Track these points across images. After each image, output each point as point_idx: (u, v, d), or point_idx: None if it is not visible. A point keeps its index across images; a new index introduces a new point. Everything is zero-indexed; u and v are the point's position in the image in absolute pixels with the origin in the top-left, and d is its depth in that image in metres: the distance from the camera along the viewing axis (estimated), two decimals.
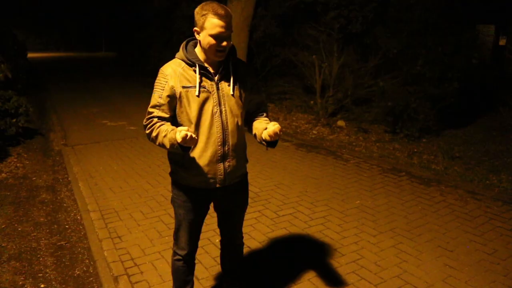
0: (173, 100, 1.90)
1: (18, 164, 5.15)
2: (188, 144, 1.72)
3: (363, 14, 7.76)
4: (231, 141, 1.96)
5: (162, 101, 1.89)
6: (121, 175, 4.81)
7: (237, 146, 2.00)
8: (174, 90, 1.87)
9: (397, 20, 7.01)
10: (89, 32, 31.98)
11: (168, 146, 1.81)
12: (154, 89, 1.92)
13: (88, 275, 2.89)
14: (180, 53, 1.93)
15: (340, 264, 2.95)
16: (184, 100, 1.88)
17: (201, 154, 1.92)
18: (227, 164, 1.98)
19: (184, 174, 1.98)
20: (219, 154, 1.94)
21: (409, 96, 6.62)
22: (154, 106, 1.91)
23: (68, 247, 3.26)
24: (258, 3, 9.18)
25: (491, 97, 8.89)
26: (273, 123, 1.89)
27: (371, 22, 7.81)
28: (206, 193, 2.03)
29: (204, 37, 1.83)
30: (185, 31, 11.27)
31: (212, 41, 1.81)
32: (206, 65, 1.90)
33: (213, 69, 1.91)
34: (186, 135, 1.67)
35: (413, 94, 6.64)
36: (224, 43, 1.82)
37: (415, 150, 5.99)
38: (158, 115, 1.90)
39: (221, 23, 1.78)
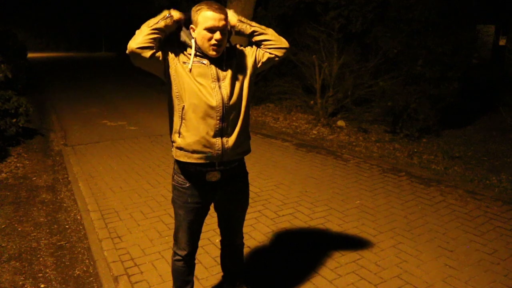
0: (163, 63, 1.87)
1: (18, 164, 5.15)
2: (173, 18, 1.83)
3: (363, 14, 7.76)
4: (230, 116, 1.92)
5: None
6: (121, 175, 4.81)
7: (237, 122, 1.96)
8: (169, 56, 1.87)
9: (397, 20, 7.01)
10: (89, 32, 31.99)
11: (156, 20, 1.82)
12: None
13: (88, 275, 2.89)
14: (182, 36, 1.93)
15: (340, 264, 2.95)
16: (181, 74, 1.87)
17: (198, 126, 1.88)
18: (225, 139, 1.93)
19: (181, 146, 1.93)
20: (217, 129, 1.90)
21: (409, 96, 6.63)
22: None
23: (68, 247, 3.26)
24: (258, 3, 9.18)
25: (491, 97, 8.90)
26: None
27: (371, 22, 7.81)
28: (206, 185, 1.99)
29: (199, 32, 1.84)
30: None
31: (207, 34, 1.82)
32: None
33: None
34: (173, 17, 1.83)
35: (413, 94, 6.64)
36: (218, 36, 1.81)
37: (415, 150, 5.99)
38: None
39: (214, 15, 1.80)
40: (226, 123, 1.92)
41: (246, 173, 2.17)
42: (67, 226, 3.61)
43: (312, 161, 5.40)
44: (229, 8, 1.98)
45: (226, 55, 1.94)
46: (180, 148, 1.94)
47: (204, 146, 1.90)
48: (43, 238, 3.38)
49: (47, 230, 3.52)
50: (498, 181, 4.68)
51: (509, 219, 3.69)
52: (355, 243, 3.25)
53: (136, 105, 9.48)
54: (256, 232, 3.44)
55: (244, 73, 1.99)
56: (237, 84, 1.95)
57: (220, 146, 1.92)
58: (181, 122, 1.91)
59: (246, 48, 2.07)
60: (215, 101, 1.87)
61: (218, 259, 2.55)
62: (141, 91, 11.59)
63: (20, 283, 2.77)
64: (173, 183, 2.07)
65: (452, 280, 2.75)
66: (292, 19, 9.62)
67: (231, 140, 1.95)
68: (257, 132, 6.93)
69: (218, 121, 1.89)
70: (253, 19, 9.07)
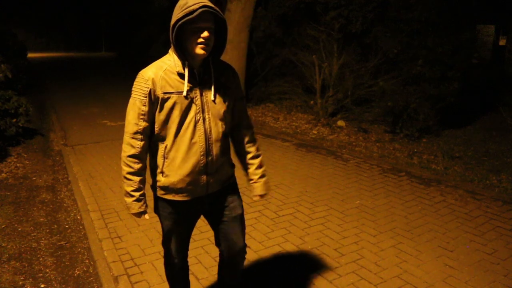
0: (154, 106, 1.78)
1: (18, 164, 5.15)
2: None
3: (363, 14, 7.76)
4: (215, 150, 1.85)
5: (145, 109, 1.77)
6: (121, 175, 4.79)
7: (221, 155, 1.90)
8: (156, 95, 1.76)
9: (397, 20, 7.01)
10: (89, 32, 32.00)
11: (124, 196, 1.99)
12: (134, 96, 1.79)
13: (88, 275, 2.89)
14: (171, 54, 1.80)
15: (340, 264, 2.95)
16: (165, 107, 1.76)
17: (182, 165, 1.81)
18: (210, 175, 1.87)
19: (166, 185, 1.86)
20: (202, 165, 1.83)
21: (409, 96, 6.63)
22: (138, 117, 1.79)
23: (68, 247, 3.26)
24: (258, 3, 9.18)
25: (491, 97, 8.90)
26: (262, 182, 2.05)
27: (371, 22, 7.81)
28: (190, 205, 1.92)
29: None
30: None
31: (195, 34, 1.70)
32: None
33: (196, 72, 1.80)
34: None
35: (413, 94, 6.64)
36: (206, 34, 1.69)
37: (415, 150, 5.99)
38: (142, 127, 1.80)
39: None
40: (211, 157, 1.85)
41: (232, 174, 2.06)
42: (67, 226, 3.61)
43: (312, 161, 5.40)
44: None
45: (214, 84, 1.83)
46: (165, 188, 1.87)
47: (189, 183, 1.84)
48: (43, 238, 3.38)
49: (47, 230, 3.52)
50: (498, 181, 4.68)
51: (509, 219, 3.69)
52: (355, 243, 3.25)
53: None
54: (256, 232, 3.44)
55: (225, 102, 1.87)
56: (220, 115, 1.85)
57: (205, 181, 1.87)
58: (164, 161, 1.83)
59: (233, 75, 1.95)
60: (199, 136, 1.80)
61: (218, 259, 2.54)
62: None
63: (20, 283, 2.77)
64: (155, 193, 1.95)
65: (452, 280, 2.75)
66: (292, 19, 9.62)
67: (216, 175, 1.90)
68: (257, 132, 6.93)
69: (202, 157, 1.82)
70: (253, 19, 9.13)
